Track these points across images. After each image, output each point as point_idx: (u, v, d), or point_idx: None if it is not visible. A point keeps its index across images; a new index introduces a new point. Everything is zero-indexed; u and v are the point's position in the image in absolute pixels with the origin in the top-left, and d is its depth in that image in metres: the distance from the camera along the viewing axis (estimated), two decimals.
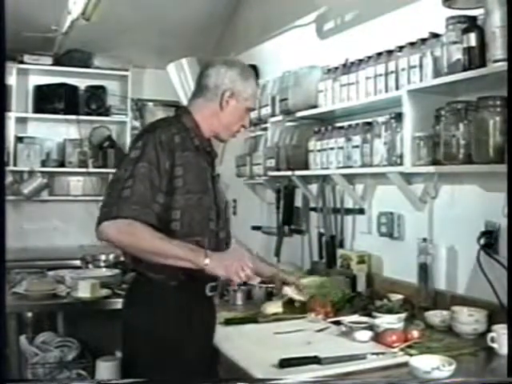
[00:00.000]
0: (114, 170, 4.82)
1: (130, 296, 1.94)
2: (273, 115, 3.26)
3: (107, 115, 4.71)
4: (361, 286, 2.63)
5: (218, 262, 1.72)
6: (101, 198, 5.19)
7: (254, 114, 3.43)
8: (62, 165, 4.65)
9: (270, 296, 2.61)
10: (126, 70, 4.71)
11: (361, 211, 2.84)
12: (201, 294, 1.86)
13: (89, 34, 3.99)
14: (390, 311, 2.13)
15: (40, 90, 4.57)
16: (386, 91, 2.41)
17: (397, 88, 2.34)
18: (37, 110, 4.57)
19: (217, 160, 2.03)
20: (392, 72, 2.37)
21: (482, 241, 2.10)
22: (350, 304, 2.46)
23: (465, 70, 2.00)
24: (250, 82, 1.97)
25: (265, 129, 3.43)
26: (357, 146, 2.57)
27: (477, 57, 1.96)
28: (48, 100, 4.55)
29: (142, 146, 1.76)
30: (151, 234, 1.70)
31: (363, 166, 2.55)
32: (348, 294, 2.52)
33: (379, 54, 2.48)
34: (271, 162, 3.21)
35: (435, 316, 2.16)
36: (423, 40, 2.25)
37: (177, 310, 1.80)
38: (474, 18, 2.03)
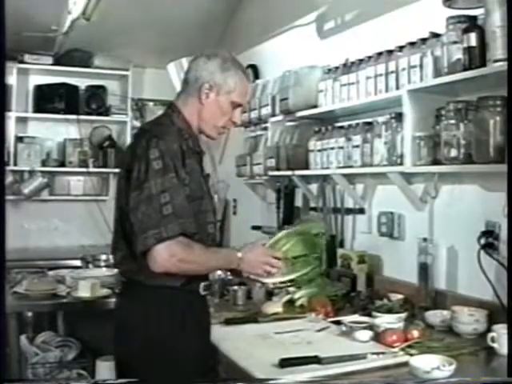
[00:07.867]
0: (114, 170, 4.81)
1: (124, 297, 1.91)
2: (273, 115, 3.26)
3: (107, 115, 4.71)
4: (361, 286, 2.63)
5: (248, 264, 1.86)
6: (101, 197, 5.16)
7: (254, 114, 3.43)
8: (62, 164, 4.65)
9: (270, 296, 2.61)
10: (126, 69, 4.70)
11: (361, 211, 2.84)
12: (195, 294, 1.85)
13: (89, 34, 3.99)
14: (390, 311, 2.13)
15: (40, 89, 4.57)
16: (387, 91, 2.41)
17: (397, 88, 2.34)
18: (37, 109, 4.56)
19: (204, 158, 1.98)
20: (392, 72, 2.37)
21: (483, 241, 2.09)
22: (350, 304, 2.46)
23: (465, 69, 2.00)
24: (230, 73, 1.84)
25: (265, 128, 3.43)
26: (357, 146, 2.57)
27: (477, 57, 1.96)
28: (48, 100, 4.54)
29: (161, 156, 1.71)
30: (198, 255, 1.76)
31: (363, 165, 2.55)
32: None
33: (379, 54, 2.48)
34: (271, 162, 3.20)
35: (435, 316, 2.16)
36: (423, 40, 2.25)
37: (171, 311, 1.78)
38: (474, 18, 2.03)
